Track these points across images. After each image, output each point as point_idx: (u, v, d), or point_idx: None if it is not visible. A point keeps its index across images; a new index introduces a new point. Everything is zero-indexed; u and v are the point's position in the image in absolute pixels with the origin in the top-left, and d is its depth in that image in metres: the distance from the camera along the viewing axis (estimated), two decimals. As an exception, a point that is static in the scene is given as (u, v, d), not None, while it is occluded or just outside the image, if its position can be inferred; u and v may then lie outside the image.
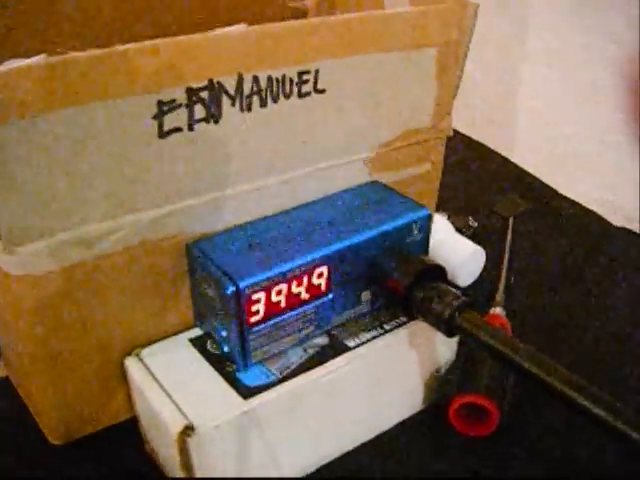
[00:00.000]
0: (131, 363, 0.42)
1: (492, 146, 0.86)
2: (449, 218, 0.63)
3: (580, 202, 0.73)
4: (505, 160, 0.83)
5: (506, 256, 0.61)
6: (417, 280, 0.41)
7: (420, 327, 0.43)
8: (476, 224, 0.66)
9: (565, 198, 0.74)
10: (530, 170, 0.80)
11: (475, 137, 0.87)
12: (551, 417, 0.46)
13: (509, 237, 0.64)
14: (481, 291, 0.58)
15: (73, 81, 0.33)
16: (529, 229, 0.68)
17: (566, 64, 0.95)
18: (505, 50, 1.03)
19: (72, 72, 0.33)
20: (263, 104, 0.40)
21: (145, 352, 0.42)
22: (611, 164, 0.93)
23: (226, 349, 0.41)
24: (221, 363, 0.41)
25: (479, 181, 0.79)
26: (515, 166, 0.81)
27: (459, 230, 0.63)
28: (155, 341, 0.43)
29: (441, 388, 0.47)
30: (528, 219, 0.69)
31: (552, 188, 0.76)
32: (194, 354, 0.42)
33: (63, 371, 0.40)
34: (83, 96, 0.34)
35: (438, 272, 0.42)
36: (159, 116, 0.36)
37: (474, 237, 0.62)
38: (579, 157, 0.95)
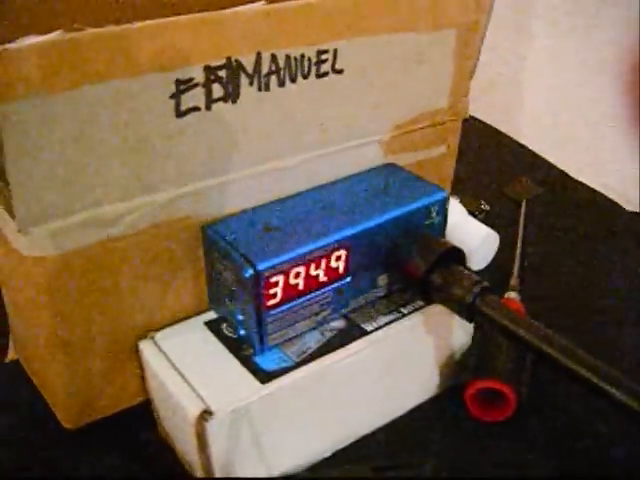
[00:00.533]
0: (146, 346, 0.41)
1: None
2: (461, 201, 0.62)
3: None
4: (514, 143, 0.83)
5: (519, 240, 0.60)
6: (436, 263, 0.40)
7: (437, 311, 0.43)
8: (488, 207, 0.66)
9: (577, 182, 0.73)
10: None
11: (484, 120, 0.87)
12: (570, 402, 0.46)
13: (522, 221, 0.63)
14: (494, 275, 0.57)
15: (90, 58, 0.32)
16: (541, 212, 0.67)
17: (573, 48, 0.95)
18: (512, 33, 1.02)
19: (89, 49, 0.32)
20: (281, 84, 0.39)
21: (160, 335, 0.42)
22: (615, 150, 0.92)
23: (242, 332, 0.40)
24: (237, 347, 0.40)
25: (489, 164, 0.78)
26: (527, 150, 0.81)
27: (471, 213, 0.62)
28: (170, 324, 0.42)
29: (457, 372, 0.47)
30: (540, 202, 0.69)
31: (563, 171, 0.75)
32: (210, 337, 0.41)
33: (77, 354, 0.40)
34: (100, 74, 0.33)
35: (456, 255, 0.42)
36: (177, 95, 0.36)
37: (486, 220, 0.61)
38: (583, 143, 0.95)
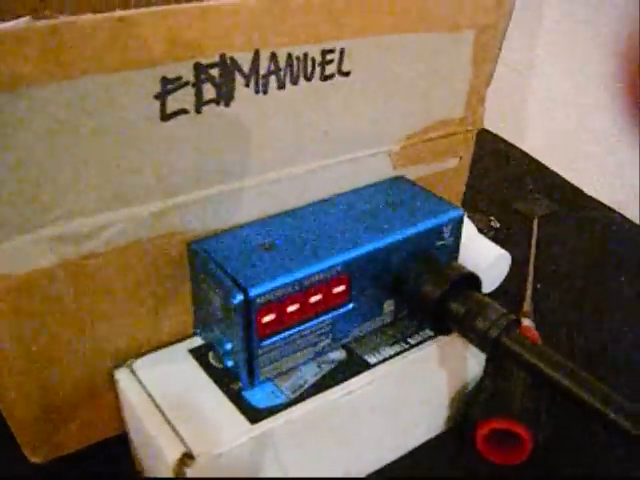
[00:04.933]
0: (122, 376, 0.37)
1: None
2: (469, 217, 0.58)
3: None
4: (523, 154, 0.79)
5: (531, 262, 0.56)
6: (451, 290, 0.36)
7: (449, 342, 0.39)
8: (498, 225, 0.62)
9: (590, 198, 0.70)
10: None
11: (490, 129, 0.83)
12: (590, 445, 0.42)
13: (534, 240, 0.59)
14: (503, 297, 0.53)
15: (62, 50, 0.28)
16: (553, 231, 0.63)
17: (580, 58, 0.92)
18: (518, 39, 0.99)
19: (61, 40, 0.28)
20: (281, 86, 0.35)
21: (138, 363, 0.37)
22: (621, 163, 0.89)
23: (230, 364, 0.36)
24: (225, 379, 0.36)
25: (497, 176, 0.74)
26: (537, 162, 0.77)
27: (480, 230, 0.58)
28: (150, 351, 0.38)
29: (468, 408, 0.42)
30: (551, 220, 0.65)
31: (575, 186, 0.71)
32: (194, 367, 0.37)
33: (45, 382, 0.36)
34: (73, 68, 0.29)
35: (472, 281, 0.38)
36: (162, 95, 0.31)
37: (495, 239, 0.57)
38: (589, 155, 0.92)
